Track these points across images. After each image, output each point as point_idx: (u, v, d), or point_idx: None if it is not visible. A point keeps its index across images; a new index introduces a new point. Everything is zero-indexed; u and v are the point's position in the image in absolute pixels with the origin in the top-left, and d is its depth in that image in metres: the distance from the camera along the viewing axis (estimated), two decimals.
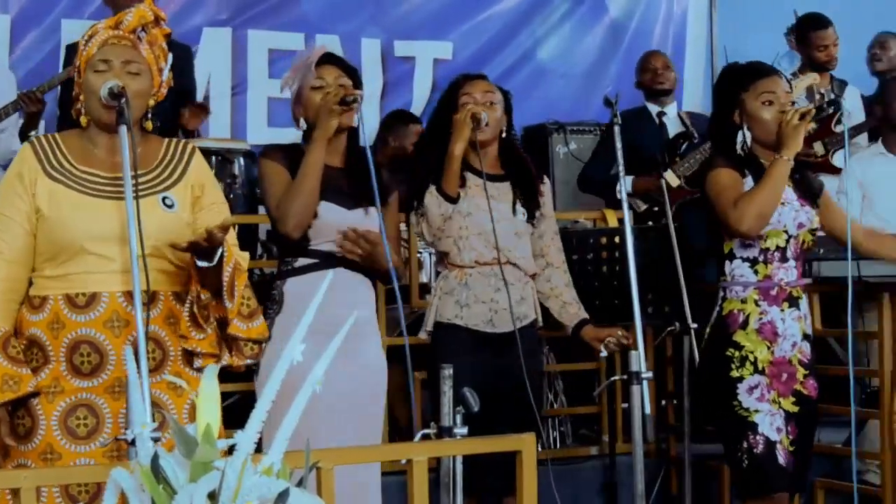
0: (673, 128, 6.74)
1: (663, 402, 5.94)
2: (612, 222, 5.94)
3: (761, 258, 4.23)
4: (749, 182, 4.21)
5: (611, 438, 5.67)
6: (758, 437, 4.16)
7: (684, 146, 6.57)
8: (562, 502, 4.98)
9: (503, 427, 3.79)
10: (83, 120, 3.27)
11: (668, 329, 5.34)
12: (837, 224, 4.35)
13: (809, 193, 4.30)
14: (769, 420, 4.16)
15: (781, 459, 4.14)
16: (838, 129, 6.41)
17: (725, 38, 8.20)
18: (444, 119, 4.43)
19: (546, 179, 4.62)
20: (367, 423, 4.01)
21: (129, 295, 3.12)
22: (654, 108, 6.83)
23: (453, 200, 4.29)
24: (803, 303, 4.27)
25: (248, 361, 3.28)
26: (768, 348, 4.19)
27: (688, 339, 4.94)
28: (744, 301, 4.25)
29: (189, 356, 3.23)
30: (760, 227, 4.16)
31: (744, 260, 4.26)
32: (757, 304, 4.23)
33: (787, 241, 4.23)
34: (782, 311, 4.22)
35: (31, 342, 3.17)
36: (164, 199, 3.24)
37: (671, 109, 6.84)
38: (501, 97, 4.45)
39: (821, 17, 7.06)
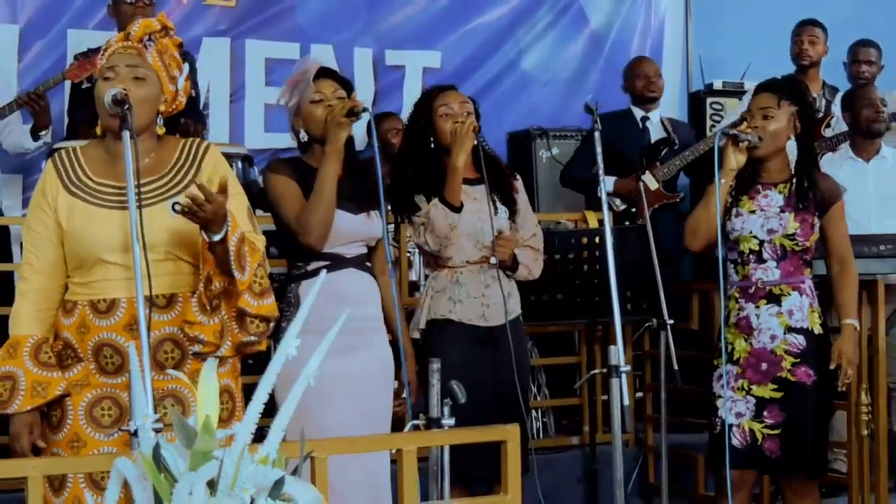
0: (655, 132, 6.72)
1: (641, 394, 5.95)
2: (593, 223, 5.95)
3: (739, 260, 4.41)
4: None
5: (591, 429, 5.67)
6: (716, 420, 4.36)
7: (664, 151, 6.57)
8: (544, 490, 4.99)
9: (496, 417, 3.81)
10: (98, 129, 3.27)
11: (646, 325, 5.35)
12: (828, 240, 4.43)
13: (807, 203, 4.37)
14: (728, 405, 4.32)
15: (736, 441, 4.30)
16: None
17: (700, 48, 8.23)
18: (421, 130, 4.43)
19: (518, 176, 4.62)
20: (377, 414, 4.01)
21: (145, 299, 3.12)
22: (638, 113, 6.77)
23: (458, 210, 4.29)
24: (789, 300, 4.33)
25: (252, 338, 3.23)
26: (746, 340, 4.36)
27: (664, 335, 4.95)
28: (729, 298, 4.44)
29: (194, 345, 3.19)
30: (696, 243, 4.44)
31: (731, 262, 4.45)
32: (736, 301, 4.41)
33: (760, 245, 4.36)
34: (758, 307, 4.35)
35: (66, 344, 3.21)
36: (174, 205, 3.20)
37: (655, 115, 6.80)
38: (472, 106, 4.46)
39: (810, 19, 7.06)
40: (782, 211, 4.35)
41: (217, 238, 3.05)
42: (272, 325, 3.27)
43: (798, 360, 4.30)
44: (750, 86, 6.95)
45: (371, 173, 4.13)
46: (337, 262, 4.00)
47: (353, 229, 4.03)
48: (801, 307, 4.34)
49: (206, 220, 3.01)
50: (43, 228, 3.22)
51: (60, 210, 3.20)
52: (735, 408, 4.32)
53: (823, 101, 6.89)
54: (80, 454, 3.10)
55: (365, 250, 4.09)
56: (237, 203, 3.28)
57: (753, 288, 4.36)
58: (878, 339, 5.14)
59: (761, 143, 4.34)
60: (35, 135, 5.81)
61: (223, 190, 3.02)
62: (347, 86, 4.16)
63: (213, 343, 3.18)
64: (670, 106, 8.09)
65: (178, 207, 3.00)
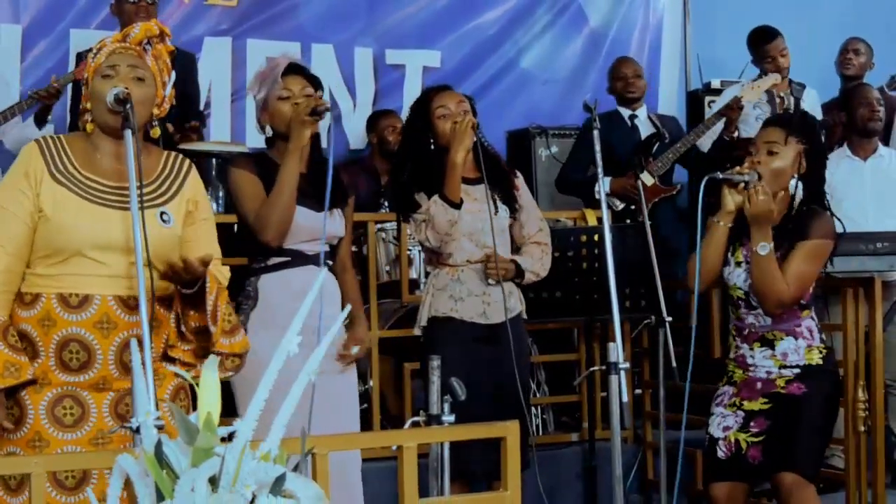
0: (644, 130, 6.76)
1: (640, 391, 5.95)
2: (592, 221, 5.95)
3: (732, 302, 4.29)
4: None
5: (590, 425, 5.67)
6: (707, 435, 4.29)
7: (656, 146, 6.59)
8: (544, 486, 4.99)
9: (497, 413, 3.81)
10: (89, 127, 3.24)
11: (645, 322, 5.35)
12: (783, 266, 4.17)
13: (785, 253, 4.13)
14: (717, 421, 4.25)
15: (721, 453, 4.20)
16: None
17: (698, 47, 8.23)
18: (418, 131, 4.43)
19: (518, 173, 4.62)
20: (342, 412, 4.01)
21: (119, 299, 3.14)
22: (625, 112, 6.81)
23: (457, 206, 4.29)
24: (782, 344, 4.16)
25: (230, 374, 3.25)
26: (744, 372, 4.24)
27: (663, 332, 4.93)
28: (730, 333, 4.35)
29: (167, 355, 3.22)
30: (701, 282, 4.21)
31: (729, 301, 4.34)
32: (734, 339, 4.29)
33: (747, 294, 4.19)
34: (752, 349, 4.21)
35: (22, 336, 3.14)
36: (161, 213, 3.22)
37: (642, 112, 6.84)
38: (469, 105, 4.46)
39: (768, 30, 7.05)
40: None
41: (189, 292, 3.11)
42: (245, 357, 3.28)
43: (792, 378, 4.17)
44: (744, 81, 6.97)
45: (337, 170, 4.13)
46: (297, 259, 4.00)
47: (314, 226, 3.99)
48: (797, 349, 4.17)
49: (184, 282, 3.09)
50: (19, 209, 3.15)
51: (44, 195, 3.14)
52: (724, 422, 4.22)
53: (791, 99, 6.92)
54: (43, 454, 3.04)
55: (327, 248, 4.08)
56: (207, 227, 3.34)
57: (747, 330, 4.22)
58: (875, 336, 5.14)
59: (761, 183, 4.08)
60: (43, 120, 5.82)
61: (206, 263, 3.06)
62: (316, 83, 4.15)
63: (192, 363, 3.21)
64: (668, 104, 8.12)
65: (161, 268, 3.09)
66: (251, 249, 4.08)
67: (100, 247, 3.13)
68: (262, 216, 3.93)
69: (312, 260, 4.01)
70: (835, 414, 4.36)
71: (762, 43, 7.00)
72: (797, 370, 4.16)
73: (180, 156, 3.40)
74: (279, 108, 4.04)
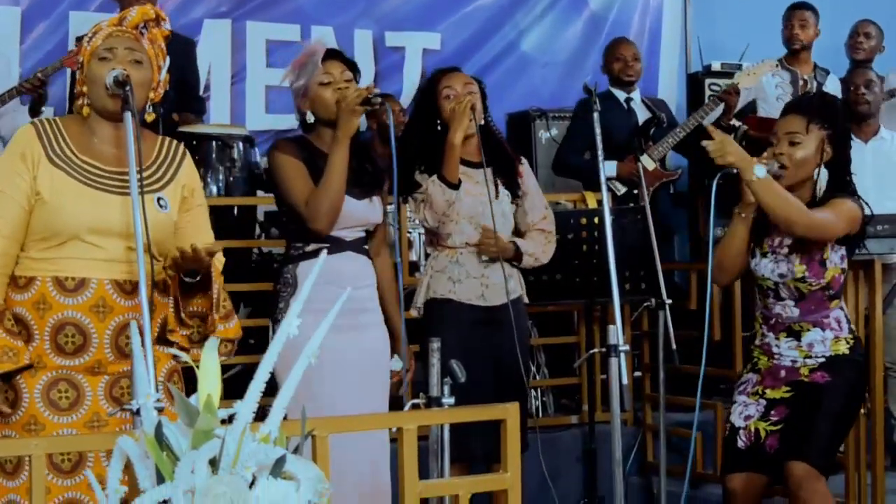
0: (640, 112, 6.72)
1: (639, 374, 5.96)
2: (592, 204, 5.94)
3: (759, 292, 4.21)
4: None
5: (590, 408, 5.67)
6: (727, 424, 4.24)
7: (653, 130, 6.58)
8: (544, 468, 5.00)
9: (497, 396, 3.81)
10: (85, 110, 3.21)
11: (644, 304, 5.35)
12: None
13: (813, 240, 4.07)
14: (739, 410, 4.18)
15: (741, 443, 4.13)
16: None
17: (698, 30, 8.22)
18: (425, 112, 4.43)
19: (523, 159, 4.62)
20: (372, 392, 4.03)
21: (115, 283, 3.14)
22: (620, 94, 6.73)
23: (455, 186, 4.30)
24: (808, 335, 4.10)
25: (222, 359, 3.25)
26: (769, 359, 4.18)
27: (662, 314, 4.94)
28: (755, 319, 4.27)
29: (163, 338, 3.22)
30: (722, 278, 4.22)
31: (757, 290, 4.24)
32: (760, 326, 4.22)
33: (776, 285, 4.11)
34: (778, 338, 4.14)
35: (16, 320, 3.13)
36: (158, 199, 3.21)
37: (636, 95, 6.79)
38: (478, 87, 4.45)
39: (802, 1, 7.03)
40: (791, 252, 4.07)
41: (190, 280, 3.11)
42: (236, 343, 3.28)
43: (816, 367, 4.11)
44: (746, 65, 6.96)
45: (372, 156, 4.15)
46: (336, 245, 4.00)
47: (357, 214, 4.03)
48: (824, 340, 4.11)
49: (188, 270, 3.09)
50: (16, 191, 3.12)
51: (41, 178, 3.12)
52: (745, 411, 4.15)
53: (815, 83, 6.91)
54: (39, 437, 3.01)
55: (363, 234, 4.09)
56: (202, 213, 3.34)
57: (774, 320, 4.14)
58: (874, 319, 5.14)
59: (785, 173, 3.97)
60: (37, 111, 5.81)
61: (211, 254, 3.06)
62: (354, 68, 4.15)
63: (187, 348, 3.20)
64: (668, 87, 8.12)
65: (168, 262, 3.08)
66: (290, 235, 4.09)
67: (98, 231, 3.12)
68: (313, 206, 3.92)
69: (350, 246, 4.02)
70: (857, 404, 4.30)
71: (788, 9, 6.99)
72: (822, 360, 4.11)
73: (174, 141, 3.39)
74: (321, 94, 4.02)
